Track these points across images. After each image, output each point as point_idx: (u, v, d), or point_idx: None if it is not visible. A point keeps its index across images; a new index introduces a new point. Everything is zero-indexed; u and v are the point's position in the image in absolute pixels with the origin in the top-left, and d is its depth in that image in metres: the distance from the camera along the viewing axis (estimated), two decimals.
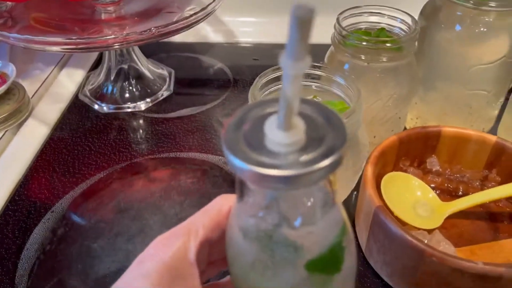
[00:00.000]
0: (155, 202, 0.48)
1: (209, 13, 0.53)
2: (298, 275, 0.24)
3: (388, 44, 0.43)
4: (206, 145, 0.55)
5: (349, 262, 0.25)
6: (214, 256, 0.27)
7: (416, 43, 0.45)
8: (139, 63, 0.63)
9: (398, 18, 0.45)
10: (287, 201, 0.22)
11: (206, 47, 0.74)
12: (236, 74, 0.67)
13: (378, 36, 0.45)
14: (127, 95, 0.62)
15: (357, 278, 0.36)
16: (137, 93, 0.62)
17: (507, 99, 0.51)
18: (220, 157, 0.54)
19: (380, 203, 0.38)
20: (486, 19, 0.44)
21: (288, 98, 0.19)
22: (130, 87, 0.62)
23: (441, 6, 0.47)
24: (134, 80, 0.62)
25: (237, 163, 0.19)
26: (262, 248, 0.23)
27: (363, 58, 0.44)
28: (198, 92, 0.66)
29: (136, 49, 0.63)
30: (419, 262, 0.35)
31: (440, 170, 0.47)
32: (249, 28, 0.76)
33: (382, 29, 0.46)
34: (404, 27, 0.45)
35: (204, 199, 0.49)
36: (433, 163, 0.47)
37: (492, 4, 0.42)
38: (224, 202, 0.27)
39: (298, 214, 0.23)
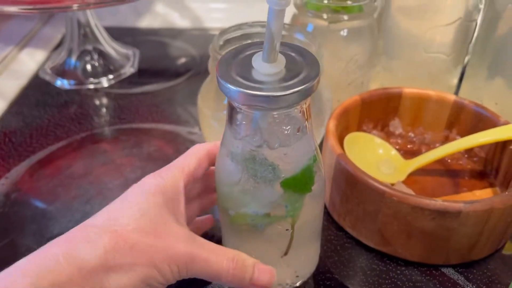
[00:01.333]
0: (116, 168, 0.47)
1: None
2: (276, 191, 0.28)
3: (348, 2, 0.44)
4: (170, 117, 0.55)
5: (319, 186, 0.30)
6: (193, 191, 0.34)
7: (377, 4, 0.46)
8: (103, 42, 0.62)
9: None
10: (268, 127, 0.26)
11: (173, 33, 0.74)
12: (203, 55, 0.67)
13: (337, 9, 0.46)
14: (89, 71, 0.61)
15: (322, 233, 0.36)
16: (100, 70, 0.61)
17: (465, 67, 0.52)
18: (185, 128, 0.53)
19: (341, 151, 0.38)
20: None
21: (272, 33, 0.24)
22: (93, 64, 0.61)
23: None
24: (97, 57, 0.61)
25: (230, 87, 0.24)
26: (246, 168, 0.28)
27: (324, 17, 0.45)
28: (163, 70, 0.65)
29: (102, 30, 0.62)
30: (380, 204, 0.35)
31: (403, 132, 0.48)
32: (218, 15, 0.76)
33: None
34: None
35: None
36: (396, 125, 0.48)
37: None
38: (201, 147, 0.32)
39: (276, 138, 0.27)
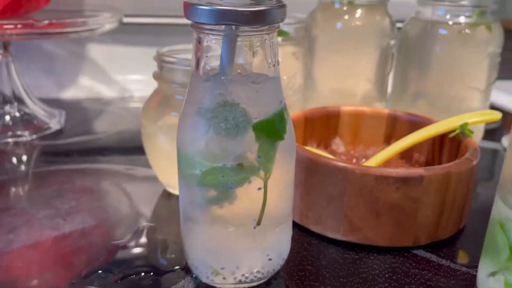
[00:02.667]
0: (46, 201, 0.41)
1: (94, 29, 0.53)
2: (248, 137, 0.27)
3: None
4: (103, 159, 0.51)
5: (289, 140, 0.29)
6: None
7: (305, 34, 0.50)
8: (28, 102, 0.59)
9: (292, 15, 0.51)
10: (234, 57, 0.26)
11: (99, 102, 0.73)
12: (128, 119, 0.66)
13: None
14: (10, 125, 0.56)
15: None
16: (23, 123, 0.57)
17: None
18: (121, 165, 0.49)
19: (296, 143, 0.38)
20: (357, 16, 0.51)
21: None
22: (15, 116, 0.57)
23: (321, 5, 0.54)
24: (17, 109, 0.57)
25: (203, 8, 0.25)
26: (216, 117, 0.27)
27: None
28: (89, 127, 0.62)
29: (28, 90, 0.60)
30: (345, 183, 0.34)
31: (345, 150, 0.49)
32: (139, 86, 0.77)
33: None
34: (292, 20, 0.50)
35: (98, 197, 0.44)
36: (338, 144, 0.49)
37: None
38: None
39: (246, 72, 0.27)
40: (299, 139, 0.46)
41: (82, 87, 0.75)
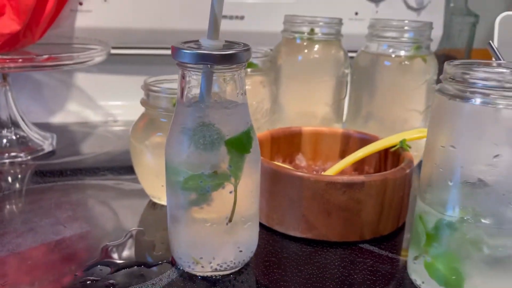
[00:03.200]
0: (46, 211, 0.47)
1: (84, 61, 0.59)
2: (221, 151, 0.34)
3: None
4: (95, 175, 0.57)
5: (255, 154, 0.37)
6: None
7: (271, 65, 0.58)
8: (22, 125, 0.65)
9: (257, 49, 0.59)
10: (211, 88, 0.34)
11: (86, 125, 0.79)
12: (115, 140, 0.72)
13: None
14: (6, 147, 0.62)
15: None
16: (17, 145, 0.63)
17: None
18: (111, 181, 0.56)
19: (261, 158, 0.45)
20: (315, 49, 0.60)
21: (215, 14, 0.33)
22: (11, 138, 0.63)
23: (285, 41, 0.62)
24: (13, 133, 0.63)
25: (186, 52, 0.33)
26: (196, 135, 0.34)
27: None
28: (80, 149, 0.68)
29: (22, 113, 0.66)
30: (301, 188, 0.42)
31: (307, 165, 0.57)
32: (123, 111, 0.84)
33: None
34: (260, 54, 0.58)
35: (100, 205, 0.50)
36: (301, 159, 0.57)
37: (319, 35, 0.59)
38: None
39: (220, 100, 0.35)
40: (266, 155, 0.54)
41: (70, 113, 0.81)
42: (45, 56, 0.54)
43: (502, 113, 0.30)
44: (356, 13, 0.86)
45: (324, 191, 0.41)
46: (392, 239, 0.44)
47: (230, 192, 0.35)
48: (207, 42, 0.34)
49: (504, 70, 0.33)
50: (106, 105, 0.84)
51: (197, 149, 0.34)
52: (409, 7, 0.88)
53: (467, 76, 0.31)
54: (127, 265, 0.39)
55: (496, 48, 0.43)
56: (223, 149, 0.34)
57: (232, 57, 0.33)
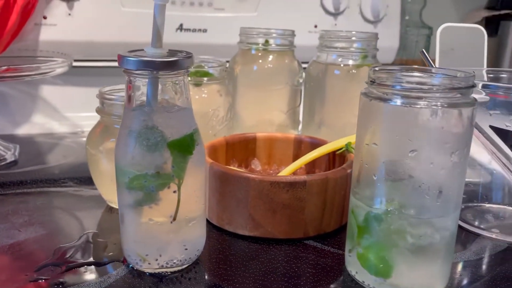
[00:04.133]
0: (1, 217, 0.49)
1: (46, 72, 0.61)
2: (164, 153, 0.37)
3: (205, 68, 0.58)
4: (55, 183, 0.59)
5: (199, 157, 0.39)
6: None
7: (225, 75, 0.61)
8: None
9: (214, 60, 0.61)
10: (156, 93, 0.36)
11: (52, 137, 0.80)
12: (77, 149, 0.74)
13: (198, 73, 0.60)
14: None
15: (206, 240, 0.42)
16: None
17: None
18: (70, 188, 0.57)
19: (212, 161, 0.48)
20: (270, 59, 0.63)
21: (158, 24, 0.36)
22: None
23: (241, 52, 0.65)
24: None
25: (131, 59, 0.35)
26: (140, 137, 0.36)
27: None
28: (44, 159, 0.70)
29: None
30: (248, 188, 0.44)
31: (262, 169, 0.59)
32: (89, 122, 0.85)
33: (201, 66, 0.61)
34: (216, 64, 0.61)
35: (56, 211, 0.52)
36: (256, 164, 0.59)
37: (273, 46, 0.62)
38: None
39: (163, 105, 0.37)
40: (222, 161, 0.56)
41: (36, 124, 0.82)
42: (4, 68, 0.55)
43: (419, 112, 0.33)
44: (316, 26, 0.90)
45: (268, 191, 0.44)
46: (335, 236, 0.47)
47: (174, 192, 0.37)
48: (151, 50, 0.36)
49: (422, 74, 0.36)
50: (73, 116, 0.85)
51: (141, 150, 0.36)
52: (366, 20, 0.92)
53: (388, 80, 0.34)
54: (78, 264, 0.40)
55: (428, 56, 0.47)
56: (166, 150, 0.36)
57: (174, 64, 0.36)
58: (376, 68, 0.36)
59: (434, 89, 0.33)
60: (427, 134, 0.33)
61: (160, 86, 0.36)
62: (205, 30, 0.85)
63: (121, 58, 0.35)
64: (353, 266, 0.39)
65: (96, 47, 0.79)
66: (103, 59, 0.81)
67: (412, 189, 0.34)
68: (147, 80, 0.36)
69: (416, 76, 0.35)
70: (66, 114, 0.85)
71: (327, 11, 0.91)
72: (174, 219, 0.38)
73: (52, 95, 0.83)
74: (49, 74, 0.61)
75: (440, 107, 0.32)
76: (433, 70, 0.37)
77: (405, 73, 0.35)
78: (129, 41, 0.78)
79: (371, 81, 0.35)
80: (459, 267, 0.42)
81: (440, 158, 0.33)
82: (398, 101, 0.33)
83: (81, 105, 0.85)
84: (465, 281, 0.40)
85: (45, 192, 0.56)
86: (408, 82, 0.33)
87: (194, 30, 0.84)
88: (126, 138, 0.37)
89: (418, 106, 0.33)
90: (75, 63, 0.75)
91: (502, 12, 1.00)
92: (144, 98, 0.37)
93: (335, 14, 0.91)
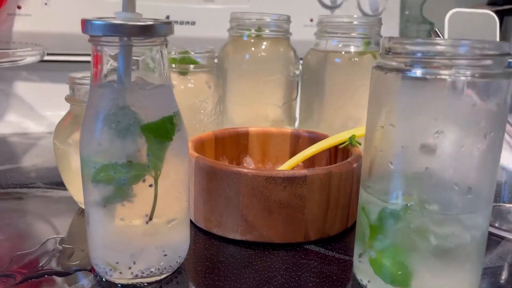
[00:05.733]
0: None
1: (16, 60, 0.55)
2: (138, 138, 0.30)
3: (192, 53, 0.52)
4: (23, 184, 0.52)
5: (180, 139, 0.33)
6: None
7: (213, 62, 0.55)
8: None
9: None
10: (129, 65, 0.30)
11: (27, 136, 0.74)
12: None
13: (184, 59, 0.54)
14: None
15: (191, 240, 0.36)
16: None
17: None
18: (38, 189, 0.51)
19: (198, 155, 0.41)
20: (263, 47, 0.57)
21: None
22: None
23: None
24: None
25: (97, 23, 0.29)
26: (109, 118, 0.30)
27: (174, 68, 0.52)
28: (14, 158, 0.63)
29: None
30: (239, 185, 0.38)
31: (256, 168, 0.53)
32: None
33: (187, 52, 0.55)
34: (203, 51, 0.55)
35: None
36: (249, 162, 0.53)
37: (267, 31, 0.56)
38: None
39: (137, 80, 0.31)
40: (210, 157, 0.50)
41: (9, 123, 0.76)
42: None
43: (444, 85, 0.27)
44: (312, 20, 0.85)
45: (263, 187, 0.38)
46: (340, 240, 0.41)
47: (150, 186, 0.31)
48: (122, 14, 0.30)
49: (444, 43, 0.31)
50: (50, 115, 0.79)
51: (110, 135, 0.30)
52: (364, 13, 0.87)
53: (407, 47, 0.28)
54: (36, 275, 0.34)
55: (441, 35, 0.41)
56: (139, 135, 0.30)
57: (149, 29, 0.30)
58: (392, 37, 0.30)
59: (463, 56, 0.27)
60: (455, 112, 0.27)
61: (134, 60, 0.31)
62: (193, 23, 0.79)
63: (85, 23, 0.30)
64: (365, 274, 0.33)
65: (74, 40, 0.73)
66: (82, 54, 0.75)
67: (437, 179, 0.28)
68: (117, 50, 0.30)
69: (440, 44, 0.29)
70: (43, 113, 0.78)
71: (324, 4, 0.86)
72: (150, 218, 0.32)
73: (27, 92, 0.77)
74: (19, 63, 0.55)
75: (470, 77, 0.27)
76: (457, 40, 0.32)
77: (427, 40, 0.29)
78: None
79: (386, 51, 0.29)
80: (485, 272, 0.36)
81: (471, 141, 0.28)
82: (419, 72, 0.27)
83: (59, 103, 0.78)
84: None
85: (10, 193, 0.50)
86: (431, 50, 0.28)
87: (181, 23, 0.79)
88: (92, 121, 0.31)
89: (444, 77, 0.27)
90: (51, 58, 0.69)
91: (506, 7, 0.95)
92: (114, 75, 0.30)
93: (332, 7, 0.86)
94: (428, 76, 0.27)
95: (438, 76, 0.27)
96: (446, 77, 0.27)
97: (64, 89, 0.45)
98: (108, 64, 0.31)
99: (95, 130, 0.30)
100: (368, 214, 0.32)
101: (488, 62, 0.27)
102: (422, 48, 0.28)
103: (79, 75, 0.45)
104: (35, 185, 0.52)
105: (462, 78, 0.27)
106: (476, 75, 0.27)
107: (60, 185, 0.50)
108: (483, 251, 0.31)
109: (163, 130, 0.31)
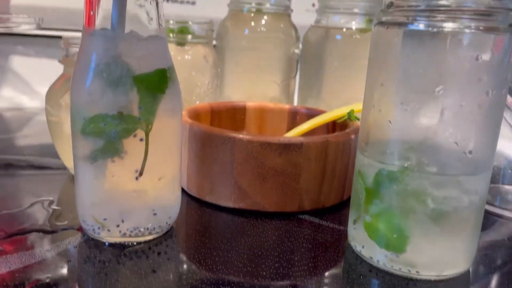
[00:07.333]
0: None
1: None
2: (129, 90, 0.29)
3: (190, 23, 0.51)
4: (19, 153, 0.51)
5: (173, 93, 0.32)
6: None
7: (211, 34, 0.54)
8: None
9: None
10: (122, 11, 0.29)
11: (22, 111, 0.73)
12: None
13: (182, 29, 0.53)
14: None
15: (183, 211, 0.35)
16: None
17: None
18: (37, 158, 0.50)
19: (192, 121, 0.41)
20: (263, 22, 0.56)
21: None
22: None
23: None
24: None
25: None
26: (101, 68, 0.29)
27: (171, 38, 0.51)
28: (6, 130, 0.62)
29: None
30: (233, 150, 0.37)
31: None
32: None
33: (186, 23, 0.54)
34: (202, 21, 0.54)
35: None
36: None
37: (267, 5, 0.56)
38: None
39: (130, 37, 0.29)
40: None
41: (3, 98, 0.75)
42: None
43: (446, 38, 0.26)
44: (314, 5, 0.84)
45: (258, 153, 0.37)
46: (335, 212, 0.40)
47: (141, 140, 0.30)
48: None
49: None
50: (45, 91, 0.78)
51: (101, 84, 0.29)
52: None
53: (409, 1, 0.27)
54: (22, 231, 0.33)
55: None
56: (131, 86, 0.29)
57: None
58: None
59: (467, 8, 0.26)
60: (457, 67, 0.26)
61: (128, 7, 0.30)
62: (193, 3, 0.78)
63: None
64: (359, 240, 0.32)
65: (71, 15, 0.72)
66: (79, 30, 0.74)
67: (437, 139, 0.27)
68: None
69: None
70: (38, 89, 0.77)
71: None
72: (140, 174, 0.31)
73: (22, 67, 0.76)
74: (15, 29, 0.54)
75: (474, 30, 0.26)
76: None
77: None
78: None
79: (387, 5, 0.28)
80: (483, 249, 0.35)
81: (473, 98, 0.27)
82: (422, 25, 0.27)
83: (54, 79, 0.77)
84: (491, 265, 0.33)
85: (2, 161, 0.49)
86: (434, 2, 0.27)
87: (182, 2, 0.78)
88: (83, 70, 0.30)
89: (447, 29, 0.26)
90: (48, 32, 0.68)
91: None
92: (108, 23, 0.29)
93: None
94: (431, 29, 0.26)
95: (441, 29, 0.26)
96: (450, 29, 0.26)
97: (60, 65, 0.44)
98: (101, 9, 0.30)
99: (86, 79, 0.29)
100: (364, 177, 0.31)
101: (493, 16, 0.26)
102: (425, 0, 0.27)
103: (73, 35, 0.44)
104: (26, 153, 0.51)
105: (466, 31, 0.26)
106: (481, 27, 0.26)
107: (52, 154, 0.49)
108: (480, 218, 0.30)
109: (156, 82, 0.30)
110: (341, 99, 0.56)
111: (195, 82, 0.52)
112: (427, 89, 0.27)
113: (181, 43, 0.51)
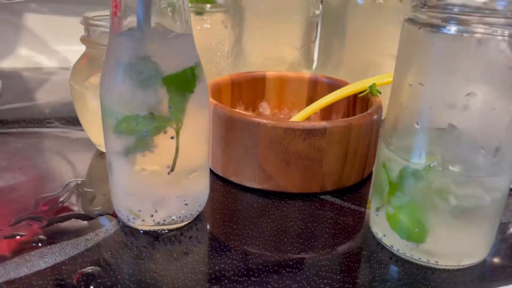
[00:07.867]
0: None
1: None
2: (159, 90, 0.30)
3: None
4: (36, 123, 0.52)
5: (201, 91, 0.32)
6: None
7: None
8: None
9: None
10: (148, 13, 0.29)
11: (38, 71, 0.73)
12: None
13: None
14: None
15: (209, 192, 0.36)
16: None
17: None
18: (55, 129, 0.51)
19: (216, 102, 0.41)
20: None
21: None
22: None
23: None
24: None
25: None
26: (131, 69, 0.29)
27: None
28: (27, 96, 0.63)
29: None
30: (258, 135, 0.38)
31: (271, 113, 0.53)
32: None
33: None
34: None
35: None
36: (265, 107, 0.53)
37: None
38: None
39: (158, 27, 0.29)
40: (226, 103, 0.50)
41: (20, 58, 0.75)
42: None
43: (479, 44, 0.26)
44: None
45: (282, 138, 0.38)
46: (356, 191, 0.41)
47: (172, 138, 0.31)
48: None
49: None
50: (62, 50, 0.77)
51: (131, 86, 0.29)
52: None
53: (444, 1, 0.27)
54: (61, 219, 0.35)
55: None
56: (161, 87, 0.30)
57: None
58: None
59: (502, 14, 0.25)
60: (489, 74, 0.26)
61: (154, 7, 0.29)
62: None
63: None
64: (380, 228, 0.33)
65: None
66: None
67: (463, 141, 0.28)
68: None
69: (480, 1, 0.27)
70: (54, 48, 0.77)
71: None
72: (172, 169, 0.32)
73: (38, 25, 0.75)
74: None
75: (508, 37, 0.25)
76: None
77: None
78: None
79: (421, 4, 0.28)
80: (500, 237, 0.37)
81: (504, 104, 0.27)
82: (455, 29, 0.26)
83: (71, 37, 0.76)
84: (508, 253, 0.35)
85: (28, 133, 0.50)
86: (469, 4, 0.26)
87: None
88: (112, 71, 0.30)
89: (481, 34, 0.26)
90: None
91: None
92: (135, 22, 0.29)
93: None
94: (465, 35, 0.26)
95: (474, 35, 0.26)
96: (483, 35, 0.25)
97: (75, 23, 0.44)
98: (128, 11, 0.29)
99: (116, 80, 0.30)
100: (388, 171, 0.32)
101: None
102: (460, 1, 0.26)
103: (93, 14, 0.44)
104: (52, 124, 0.53)
105: (500, 38, 0.25)
106: None
107: (76, 124, 0.50)
108: (501, 211, 0.31)
109: (185, 82, 0.30)
110: (361, 65, 0.56)
111: (215, 51, 0.52)
112: (456, 94, 0.27)
113: (199, 12, 0.50)
